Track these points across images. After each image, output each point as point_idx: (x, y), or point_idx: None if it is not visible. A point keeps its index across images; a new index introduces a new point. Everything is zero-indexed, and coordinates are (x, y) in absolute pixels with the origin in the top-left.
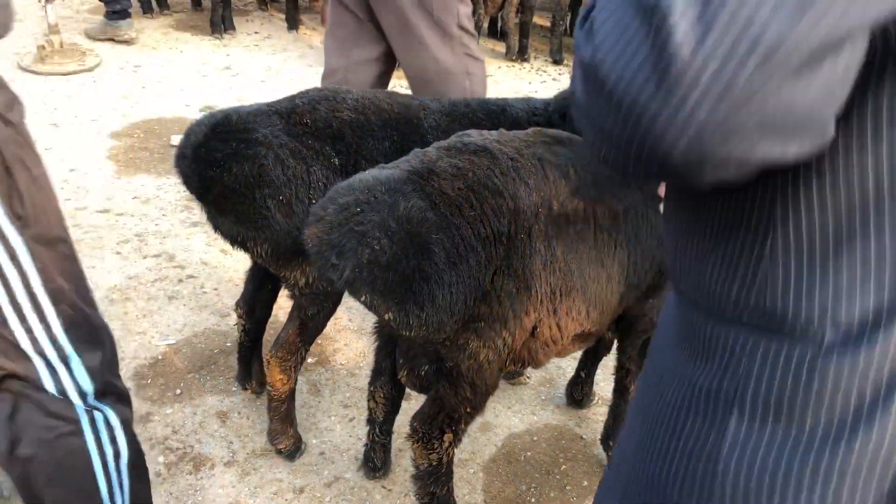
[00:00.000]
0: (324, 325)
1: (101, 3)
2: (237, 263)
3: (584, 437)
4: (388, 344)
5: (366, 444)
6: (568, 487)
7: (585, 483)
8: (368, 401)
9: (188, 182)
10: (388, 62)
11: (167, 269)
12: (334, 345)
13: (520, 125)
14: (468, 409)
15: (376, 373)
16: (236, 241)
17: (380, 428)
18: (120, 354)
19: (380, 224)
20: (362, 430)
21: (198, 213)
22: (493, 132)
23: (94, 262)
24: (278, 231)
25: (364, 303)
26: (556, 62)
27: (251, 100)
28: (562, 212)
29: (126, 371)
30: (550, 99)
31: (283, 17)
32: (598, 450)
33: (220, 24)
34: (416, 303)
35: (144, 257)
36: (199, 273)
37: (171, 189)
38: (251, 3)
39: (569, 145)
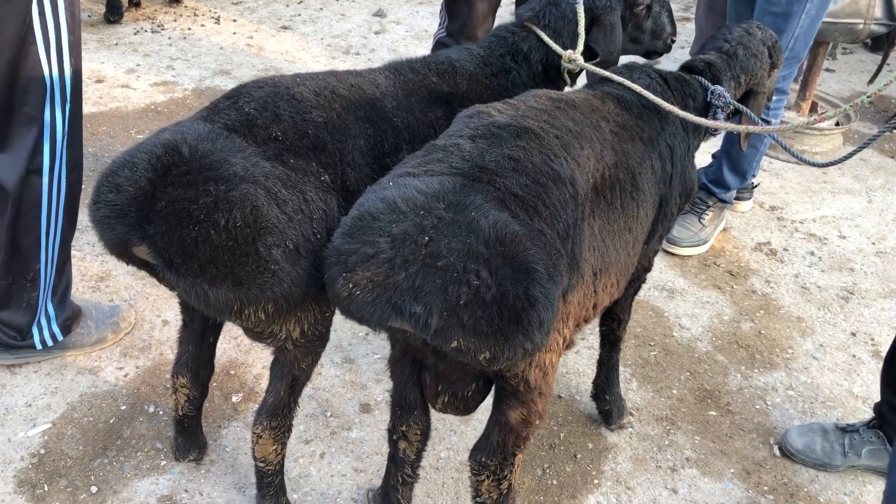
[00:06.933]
0: (312, 373)
1: None
2: None
3: (561, 395)
4: (414, 373)
5: (381, 490)
6: (578, 455)
7: (590, 445)
8: (397, 441)
9: (152, 250)
10: None
11: None
12: (254, 370)
13: (477, 80)
14: (537, 421)
15: (404, 408)
16: (231, 310)
17: (412, 468)
18: None
19: (467, 252)
20: (340, 466)
21: None
22: (502, 104)
23: None
24: (288, 285)
25: (454, 349)
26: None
27: None
28: (595, 185)
29: (5, 484)
30: (485, 41)
31: None
32: (583, 405)
33: None
34: (524, 334)
35: None
36: None
37: None
38: None
39: (580, 108)
